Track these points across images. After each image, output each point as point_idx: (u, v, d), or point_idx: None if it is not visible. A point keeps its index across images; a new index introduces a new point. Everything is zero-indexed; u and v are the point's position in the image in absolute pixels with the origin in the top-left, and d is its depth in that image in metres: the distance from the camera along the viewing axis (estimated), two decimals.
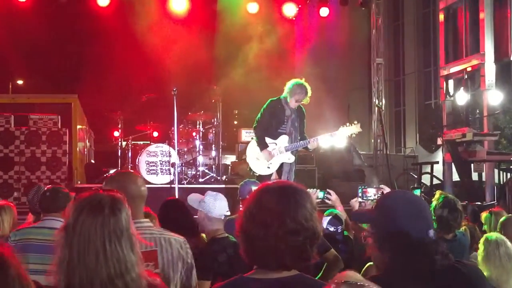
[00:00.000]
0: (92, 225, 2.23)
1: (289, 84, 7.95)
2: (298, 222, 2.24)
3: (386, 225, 2.52)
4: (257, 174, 8.07)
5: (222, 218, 4.48)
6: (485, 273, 4.09)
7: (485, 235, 4.36)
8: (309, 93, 7.94)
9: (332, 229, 5.54)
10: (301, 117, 8.20)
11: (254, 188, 5.49)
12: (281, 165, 8.09)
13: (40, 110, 10.52)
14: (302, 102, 8.02)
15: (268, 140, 8.01)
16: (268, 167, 8.03)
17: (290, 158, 8.08)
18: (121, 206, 2.34)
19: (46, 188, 4.67)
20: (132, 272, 2.25)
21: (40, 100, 11.38)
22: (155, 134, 12.03)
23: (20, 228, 4.31)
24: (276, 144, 8.00)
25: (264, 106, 8.11)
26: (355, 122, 8.06)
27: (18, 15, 13.39)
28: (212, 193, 4.56)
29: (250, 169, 8.33)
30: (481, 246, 4.21)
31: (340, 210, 5.79)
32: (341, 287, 1.76)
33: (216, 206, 4.46)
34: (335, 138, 8.21)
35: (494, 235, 4.33)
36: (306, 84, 7.94)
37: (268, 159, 7.95)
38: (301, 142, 8.04)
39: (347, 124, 8.07)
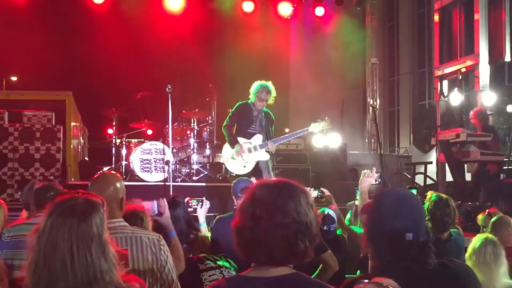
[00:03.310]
0: (60, 229, 2.18)
1: (254, 86, 8.32)
2: (288, 215, 2.21)
3: (375, 223, 2.54)
4: (234, 175, 8.27)
5: None
6: None
7: (478, 234, 4.40)
8: (273, 92, 8.30)
9: (324, 228, 5.56)
10: (269, 121, 8.56)
11: (246, 185, 5.55)
12: (257, 164, 8.34)
13: (34, 107, 10.49)
14: (267, 101, 8.32)
15: (242, 140, 8.34)
16: (244, 166, 8.30)
17: (265, 156, 8.37)
18: (94, 211, 2.27)
19: (40, 185, 4.67)
20: (101, 280, 2.18)
21: (34, 97, 11.33)
22: (149, 131, 12.01)
23: (14, 225, 4.30)
24: (251, 143, 8.30)
25: (233, 109, 8.55)
26: (326, 118, 8.48)
27: (13, 11, 13.36)
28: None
29: (227, 170, 8.59)
30: (471, 242, 4.25)
31: (333, 209, 5.81)
32: (369, 285, 1.79)
33: None
34: (308, 133, 8.73)
35: (486, 234, 4.36)
36: (270, 85, 8.29)
37: (240, 153, 8.17)
38: (279, 137, 8.50)
39: (318, 120, 8.42)
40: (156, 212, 4.32)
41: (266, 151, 8.36)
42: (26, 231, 4.16)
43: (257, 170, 8.30)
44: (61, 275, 2.14)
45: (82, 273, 2.16)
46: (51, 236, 2.18)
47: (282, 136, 8.61)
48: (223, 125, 8.54)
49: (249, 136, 8.34)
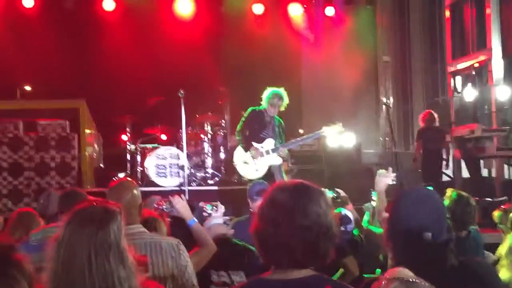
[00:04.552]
0: (78, 237, 2.19)
1: (266, 93, 8.36)
2: (309, 218, 2.22)
3: (394, 223, 2.53)
4: (247, 179, 8.26)
5: None
6: (507, 272, 4.03)
7: None
8: (285, 99, 8.34)
9: (341, 228, 5.53)
10: (281, 127, 8.58)
11: (262, 188, 5.53)
12: (269, 168, 8.34)
13: (49, 116, 10.56)
14: (279, 108, 8.37)
15: (254, 144, 8.35)
16: (257, 170, 8.28)
17: (277, 160, 8.34)
18: (111, 219, 2.27)
19: (63, 191, 4.71)
20: None
21: (48, 106, 11.41)
22: (164, 137, 12.03)
23: (41, 229, 4.33)
24: (262, 147, 8.23)
25: (246, 114, 8.58)
26: (337, 122, 8.42)
27: (25, 21, 13.45)
28: None
29: (239, 175, 8.59)
30: (506, 240, 4.15)
31: (349, 209, 5.78)
32: (393, 283, 1.75)
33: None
34: (322, 136, 8.73)
35: None
36: (282, 92, 8.33)
37: (256, 156, 8.16)
38: (290, 141, 8.62)
39: (330, 124, 8.43)
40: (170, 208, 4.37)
41: (278, 155, 8.34)
42: (53, 233, 4.18)
43: (269, 174, 8.29)
44: (79, 284, 2.15)
45: (100, 281, 2.16)
46: (69, 245, 2.20)
47: (293, 140, 8.64)
48: (237, 129, 8.56)
49: (261, 140, 8.36)
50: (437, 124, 10.95)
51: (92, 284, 2.15)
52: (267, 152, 8.27)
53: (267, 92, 8.35)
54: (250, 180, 7.86)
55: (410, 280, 1.74)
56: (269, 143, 8.31)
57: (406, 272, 1.82)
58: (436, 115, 11.04)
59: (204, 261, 3.94)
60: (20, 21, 13.48)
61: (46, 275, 2.22)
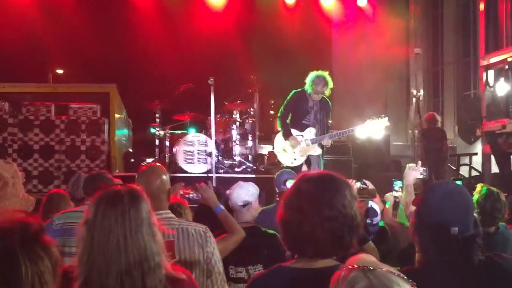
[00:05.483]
0: (112, 215, 2.24)
1: (310, 77, 8.01)
2: (335, 209, 2.23)
3: (421, 216, 2.52)
4: (285, 166, 8.09)
5: (238, 206, 4.44)
6: None
7: None
8: (330, 84, 8.00)
9: (367, 220, 5.51)
10: (326, 110, 8.25)
11: (289, 177, 5.53)
12: (308, 157, 8.13)
13: (80, 100, 10.67)
14: (323, 93, 8.07)
15: (294, 132, 8.08)
16: (295, 159, 8.08)
17: (316, 150, 8.15)
18: (140, 197, 2.34)
19: (89, 174, 4.76)
20: (151, 261, 2.24)
21: (80, 90, 11.52)
22: (192, 123, 12.06)
23: (63, 212, 4.38)
24: (302, 136, 8.06)
25: (288, 97, 8.25)
26: (383, 115, 8.06)
27: (58, 5, 13.58)
28: (239, 182, 4.58)
29: (279, 161, 8.44)
30: None
31: (376, 201, 5.76)
32: (352, 272, 1.71)
33: (234, 194, 4.46)
34: (363, 130, 8.19)
35: None
36: (327, 76, 8.00)
37: (295, 145, 7.99)
38: (330, 133, 8.14)
39: (373, 117, 8.06)
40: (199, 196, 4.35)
41: (321, 144, 8.14)
42: (76, 218, 4.24)
43: (306, 164, 8.16)
44: (114, 259, 2.19)
45: (135, 254, 2.21)
46: (104, 223, 2.24)
47: (334, 133, 8.15)
48: (278, 115, 8.28)
49: (302, 127, 8.13)
50: (439, 125, 11.49)
51: (127, 258, 2.20)
52: (307, 143, 8.08)
53: (311, 75, 8.00)
54: (288, 167, 7.77)
55: (370, 268, 1.70)
56: (310, 132, 8.10)
57: (366, 258, 1.78)
58: (439, 117, 11.48)
59: (231, 247, 3.95)
60: (53, 6, 13.61)
61: (77, 257, 2.26)
